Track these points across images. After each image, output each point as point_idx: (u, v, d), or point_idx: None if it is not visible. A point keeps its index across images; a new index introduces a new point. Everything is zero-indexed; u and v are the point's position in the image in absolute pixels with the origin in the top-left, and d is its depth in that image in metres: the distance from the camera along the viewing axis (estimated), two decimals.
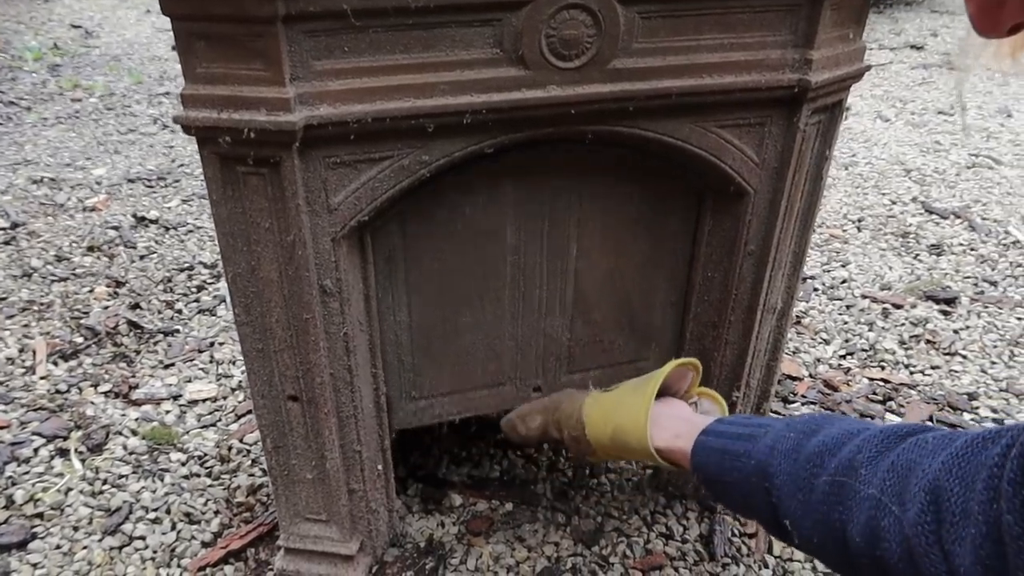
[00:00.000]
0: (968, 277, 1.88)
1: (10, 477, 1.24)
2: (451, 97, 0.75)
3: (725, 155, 0.89)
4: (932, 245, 2.04)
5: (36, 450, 1.30)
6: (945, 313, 1.74)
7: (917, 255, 2.00)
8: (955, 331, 1.67)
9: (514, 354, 1.04)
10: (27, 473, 1.25)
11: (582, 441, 0.94)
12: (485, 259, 0.95)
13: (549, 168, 0.90)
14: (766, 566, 1.10)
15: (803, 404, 1.45)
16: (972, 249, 2.02)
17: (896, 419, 1.41)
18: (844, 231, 2.15)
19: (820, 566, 1.10)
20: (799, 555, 1.12)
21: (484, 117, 0.76)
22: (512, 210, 0.92)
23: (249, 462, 1.29)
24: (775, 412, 1.42)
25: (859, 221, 2.20)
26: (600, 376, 1.08)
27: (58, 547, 1.12)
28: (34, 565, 1.09)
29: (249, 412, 1.40)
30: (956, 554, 0.51)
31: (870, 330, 1.69)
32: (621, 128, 0.83)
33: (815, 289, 1.85)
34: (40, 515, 1.17)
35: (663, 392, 0.93)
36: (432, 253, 0.93)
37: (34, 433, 1.33)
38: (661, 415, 0.87)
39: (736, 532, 1.16)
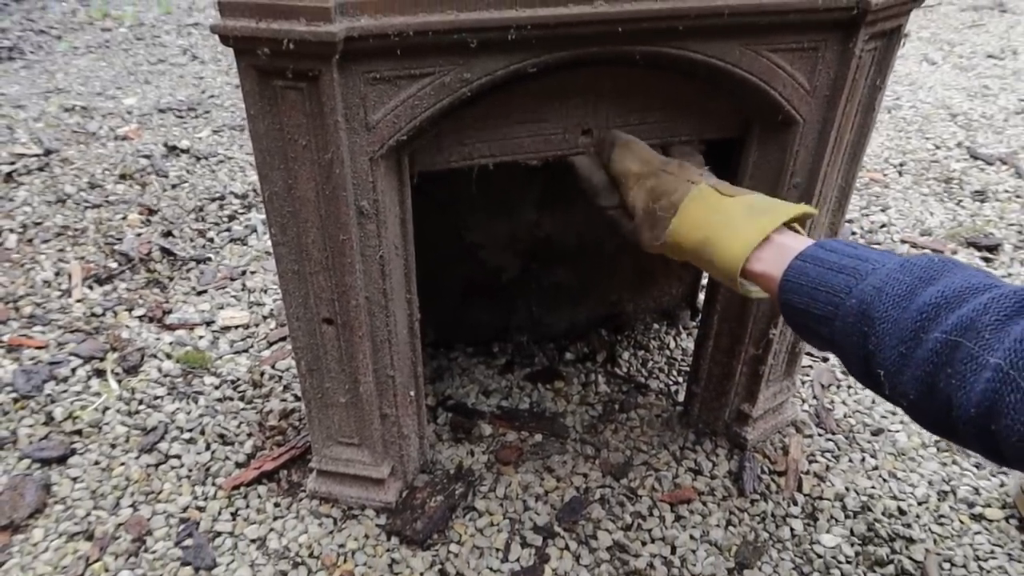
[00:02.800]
0: (1012, 224, 1.82)
1: (49, 395, 1.26)
2: (495, 11, 0.72)
3: (775, 81, 0.85)
4: (976, 191, 1.98)
5: (74, 370, 1.32)
6: (987, 260, 1.69)
7: (960, 201, 1.95)
8: None
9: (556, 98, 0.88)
10: (65, 392, 1.27)
11: (658, 227, 0.84)
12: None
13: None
14: (795, 503, 1.10)
15: None
16: (1018, 196, 1.96)
17: None
18: (885, 175, 2.09)
19: (851, 504, 1.10)
20: (828, 493, 1.11)
21: (528, 33, 0.73)
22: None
23: (281, 388, 1.30)
24: (808, 353, 1.40)
25: (901, 165, 2.14)
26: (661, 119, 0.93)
27: (96, 463, 1.14)
28: (74, 479, 1.12)
29: (281, 339, 1.41)
30: None
31: None
32: (669, 49, 0.80)
33: (853, 233, 1.81)
34: (79, 432, 1.20)
35: None
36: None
37: (71, 353, 1.35)
38: None
39: (766, 469, 1.15)
